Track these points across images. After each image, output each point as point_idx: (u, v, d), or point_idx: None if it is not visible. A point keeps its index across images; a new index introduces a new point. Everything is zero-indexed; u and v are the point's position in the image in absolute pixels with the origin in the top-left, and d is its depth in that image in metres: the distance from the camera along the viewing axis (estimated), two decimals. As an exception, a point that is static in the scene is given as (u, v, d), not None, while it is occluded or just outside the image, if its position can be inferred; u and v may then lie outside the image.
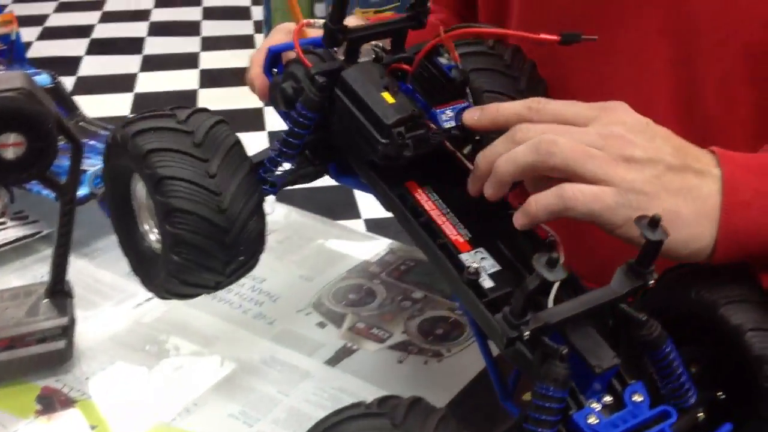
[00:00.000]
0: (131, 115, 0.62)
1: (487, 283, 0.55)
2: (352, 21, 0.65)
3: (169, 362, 0.80)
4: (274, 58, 0.68)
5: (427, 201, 0.61)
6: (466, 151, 0.64)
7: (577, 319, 0.51)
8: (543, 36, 0.60)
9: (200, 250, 0.59)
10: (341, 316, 0.86)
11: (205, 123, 0.61)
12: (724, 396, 0.58)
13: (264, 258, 0.94)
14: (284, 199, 0.87)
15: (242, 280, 0.89)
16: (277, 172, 0.62)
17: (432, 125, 0.61)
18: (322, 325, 0.85)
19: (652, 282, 0.52)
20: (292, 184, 0.66)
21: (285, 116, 0.65)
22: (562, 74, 0.71)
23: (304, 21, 0.63)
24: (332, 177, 0.67)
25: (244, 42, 3.87)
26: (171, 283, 0.62)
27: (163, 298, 0.67)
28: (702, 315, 0.56)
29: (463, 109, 0.63)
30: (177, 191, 0.57)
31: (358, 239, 1.02)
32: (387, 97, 0.59)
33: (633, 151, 0.55)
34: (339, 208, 2.41)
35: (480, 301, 0.53)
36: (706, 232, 0.56)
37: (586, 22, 0.75)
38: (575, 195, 0.54)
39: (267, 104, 0.68)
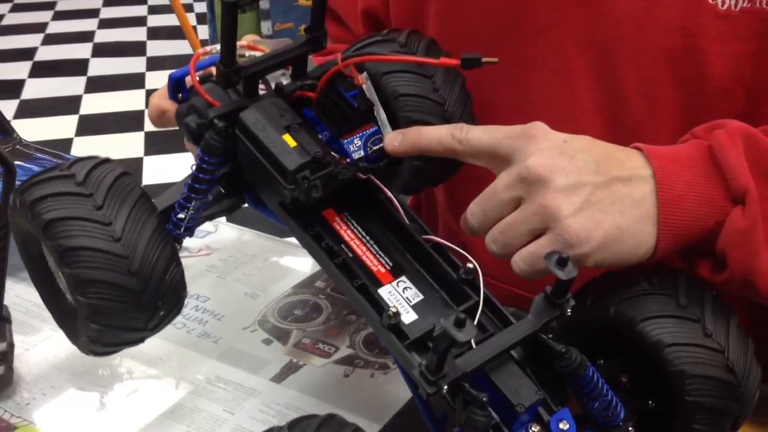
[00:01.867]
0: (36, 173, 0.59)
1: (409, 317, 0.55)
2: (250, 39, 0.64)
3: (117, 386, 0.78)
4: (175, 85, 0.64)
5: (346, 230, 0.60)
6: None
7: (496, 358, 0.51)
8: (444, 60, 0.59)
9: (117, 315, 0.57)
10: (287, 332, 0.86)
11: (105, 181, 0.57)
12: (654, 405, 0.59)
13: (208, 276, 0.95)
14: (235, 219, 0.86)
15: (185, 300, 0.89)
16: (189, 214, 0.59)
17: (340, 159, 0.59)
18: (267, 342, 0.85)
19: (569, 310, 0.53)
20: (210, 219, 0.64)
21: None
22: (484, 89, 0.70)
23: (200, 50, 0.61)
24: (251, 206, 0.65)
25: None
26: (94, 345, 0.61)
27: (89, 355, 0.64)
28: (623, 331, 0.57)
29: (372, 134, 0.61)
30: (83, 261, 0.55)
31: (302, 255, 1.02)
32: (288, 139, 0.57)
33: (556, 182, 0.56)
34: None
35: (402, 345, 0.52)
36: (648, 234, 0.57)
37: (503, 38, 0.75)
38: (519, 266, 0.57)
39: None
